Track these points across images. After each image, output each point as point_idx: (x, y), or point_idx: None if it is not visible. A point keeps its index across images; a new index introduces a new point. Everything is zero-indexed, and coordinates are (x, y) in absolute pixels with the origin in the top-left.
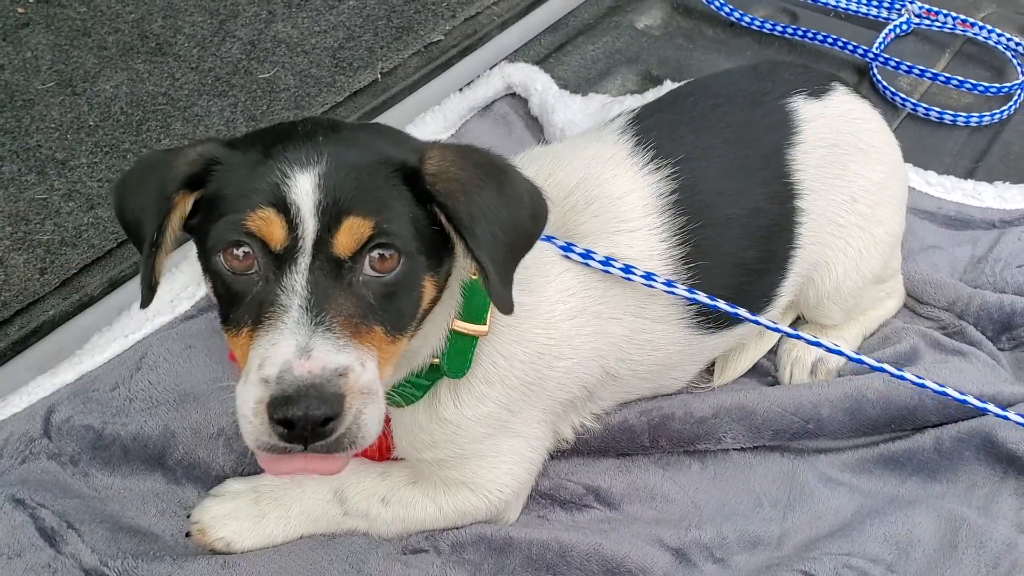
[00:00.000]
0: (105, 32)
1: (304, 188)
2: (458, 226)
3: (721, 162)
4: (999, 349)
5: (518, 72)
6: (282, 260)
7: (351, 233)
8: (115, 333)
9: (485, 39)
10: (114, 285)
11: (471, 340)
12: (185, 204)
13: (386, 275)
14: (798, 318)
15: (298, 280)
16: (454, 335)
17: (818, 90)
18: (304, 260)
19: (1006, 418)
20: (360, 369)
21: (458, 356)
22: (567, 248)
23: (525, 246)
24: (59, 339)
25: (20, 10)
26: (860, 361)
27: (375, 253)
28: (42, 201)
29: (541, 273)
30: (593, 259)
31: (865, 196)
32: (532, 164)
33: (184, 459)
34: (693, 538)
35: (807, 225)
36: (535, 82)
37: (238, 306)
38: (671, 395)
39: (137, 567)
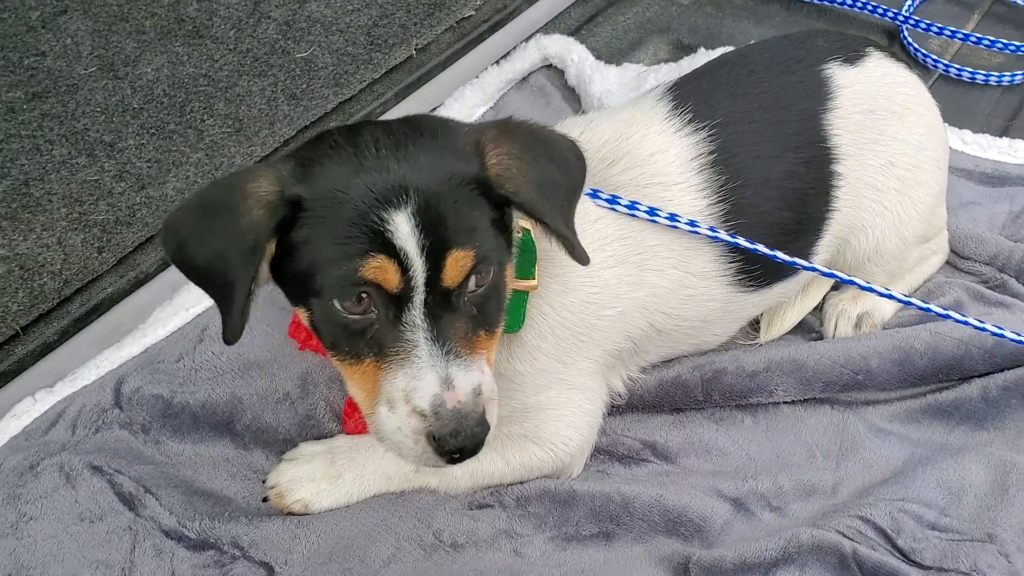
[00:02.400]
0: (142, 17)
1: (405, 231)
2: (532, 213)
3: (758, 126)
4: None
5: (554, 44)
6: (399, 299)
7: (458, 267)
8: (176, 307)
9: (515, 13)
10: (167, 263)
11: (524, 295)
12: (270, 248)
13: (482, 288)
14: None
15: (417, 316)
16: (513, 293)
17: (853, 56)
18: (419, 297)
19: None
20: (484, 376)
21: (514, 311)
22: (612, 200)
23: (577, 197)
24: (118, 316)
25: None
26: (928, 309)
27: (478, 272)
28: (94, 182)
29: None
30: (638, 209)
31: (903, 159)
32: (572, 127)
33: (252, 424)
34: (750, 488)
35: (844, 189)
36: (571, 53)
37: (356, 341)
38: (722, 351)
39: (214, 527)
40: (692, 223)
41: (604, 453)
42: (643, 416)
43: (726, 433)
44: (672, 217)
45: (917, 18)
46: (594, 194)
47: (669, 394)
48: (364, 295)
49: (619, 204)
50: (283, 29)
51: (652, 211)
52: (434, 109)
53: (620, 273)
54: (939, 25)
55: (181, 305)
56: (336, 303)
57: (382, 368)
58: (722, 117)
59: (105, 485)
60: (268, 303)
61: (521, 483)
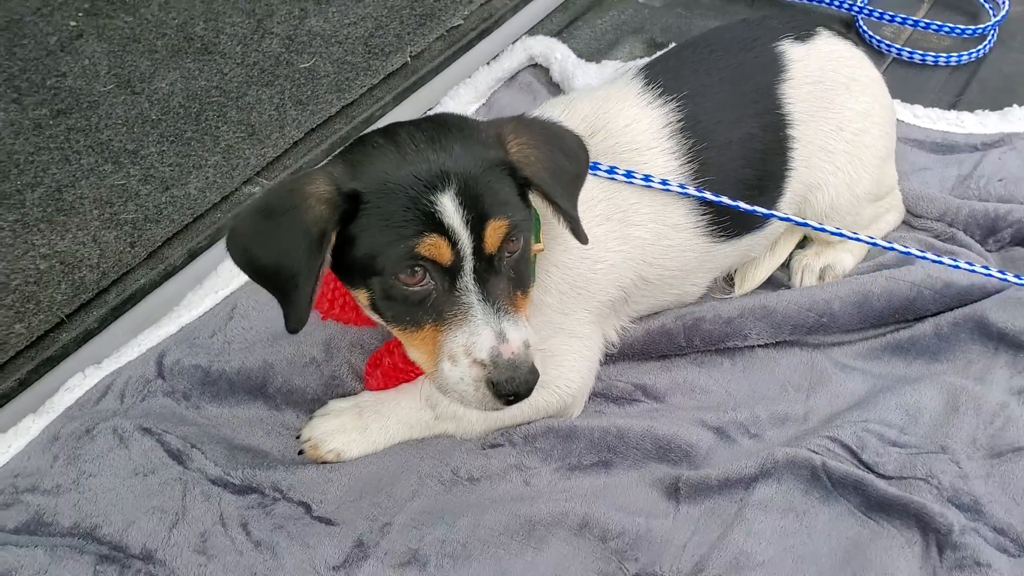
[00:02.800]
0: (153, 37)
1: (451, 210)
2: (548, 194)
3: (720, 96)
4: (987, 251)
5: (538, 44)
6: (452, 270)
7: (496, 234)
8: (206, 290)
9: (500, 21)
10: (193, 255)
11: (532, 257)
12: (331, 240)
13: (516, 253)
14: (805, 239)
15: (469, 282)
16: None
17: (804, 35)
18: (468, 265)
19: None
20: (530, 332)
21: None
22: (594, 166)
23: (582, 183)
24: (151, 303)
25: (72, 23)
26: (908, 253)
27: (511, 240)
28: (121, 186)
29: None
30: (617, 173)
31: (851, 124)
32: (552, 107)
33: (283, 387)
34: (730, 419)
35: (798, 151)
36: (554, 52)
37: (416, 310)
38: (701, 303)
39: (255, 475)
40: (664, 182)
41: (600, 396)
42: (633, 363)
43: (707, 374)
44: (647, 178)
45: (871, 8)
46: None
47: (656, 342)
48: (420, 268)
49: (600, 169)
50: (286, 43)
51: (629, 174)
52: (430, 109)
53: (607, 229)
54: (891, 13)
55: (211, 288)
56: (398, 279)
57: (442, 330)
58: (688, 90)
59: (155, 444)
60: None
61: (528, 423)
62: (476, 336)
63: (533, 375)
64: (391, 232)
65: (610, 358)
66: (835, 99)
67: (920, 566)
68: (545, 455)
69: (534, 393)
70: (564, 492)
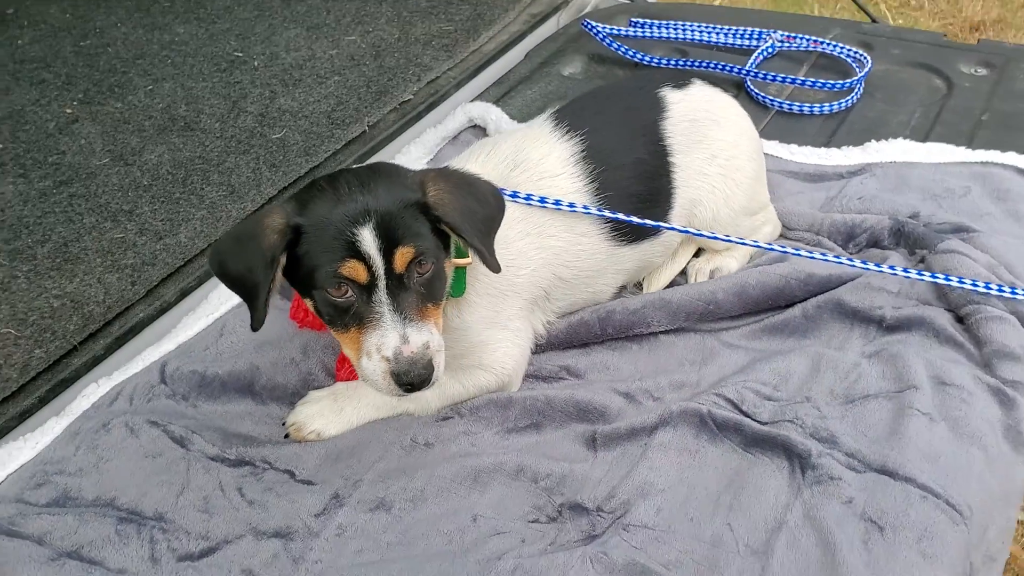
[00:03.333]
0: (141, 119)
1: (368, 239)
2: (456, 231)
3: (614, 131)
4: (848, 253)
5: (476, 108)
6: (368, 287)
7: (403, 258)
8: (198, 315)
9: (445, 96)
10: (184, 293)
11: (463, 269)
12: (281, 261)
13: (426, 274)
14: (700, 250)
15: (382, 296)
16: (455, 271)
17: (681, 84)
18: (381, 283)
19: (880, 270)
20: (432, 336)
21: (457, 282)
22: (514, 195)
23: (496, 224)
24: (148, 334)
25: (68, 110)
26: (783, 251)
27: (418, 264)
28: (120, 239)
29: None
30: (532, 199)
31: (722, 152)
32: (481, 148)
33: (267, 384)
34: (637, 387)
35: (679, 174)
36: (490, 114)
37: (343, 316)
38: (613, 300)
39: (247, 452)
40: (571, 205)
41: (532, 377)
42: (559, 350)
43: (619, 355)
44: (557, 202)
45: (758, 71)
46: (502, 191)
47: (576, 332)
48: (344, 285)
49: (519, 197)
50: (259, 119)
51: (542, 200)
52: None
53: (527, 242)
54: (774, 73)
55: (203, 313)
56: (328, 292)
57: (362, 332)
58: (588, 127)
59: (160, 433)
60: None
61: (473, 399)
62: (384, 338)
63: (428, 370)
64: (322, 256)
65: (539, 347)
66: (708, 133)
67: (788, 484)
68: (487, 422)
69: (478, 375)
70: (503, 448)
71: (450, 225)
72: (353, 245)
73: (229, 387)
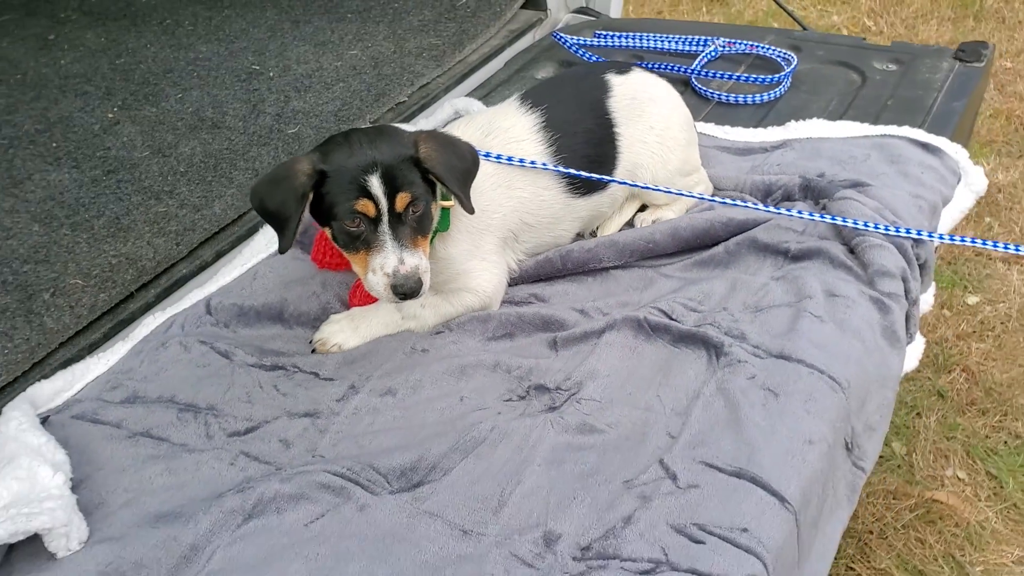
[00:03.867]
0: (174, 120)
1: (376, 185)
2: (440, 180)
3: (568, 106)
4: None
5: (461, 102)
6: (375, 220)
7: (402, 201)
8: (234, 266)
9: (435, 99)
10: (220, 255)
11: (448, 211)
12: (309, 197)
13: (418, 213)
14: (644, 206)
15: (385, 228)
16: (442, 211)
17: (623, 69)
18: (385, 218)
19: (788, 214)
20: (422, 260)
21: (443, 220)
22: (487, 155)
23: (472, 176)
24: (190, 285)
25: (110, 115)
26: (723, 202)
27: (413, 205)
28: (164, 212)
29: None
30: (501, 158)
31: (658, 124)
32: (460, 121)
33: (293, 312)
34: (590, 306)
35: (622, 142)
36: (472, 106)
37: (355, 242)
38: (572, 243)
39: (280, 360)
40: (533, 163)
41: (507, 302)
42: (528, 283)
43: (577, 285)
44: (522, 161)
45: (702, 70)
46: (477, 151)
47: (542, 267)
48: (357, 219)
49: (491, 157)
50: (276, 118)
51: (509, 159)
52: None
53: (499, 192)
54: (716, 71)
55: (238, 264)
56: (344, 223)
57: (369, 255)
58: (547, 103)
59: (208, 349)
60: (291, 257)
61: (460, 317)
62: (386, 259)
63: (418, 284)
64: (340, 196)
65: (512, 281)
66: (645, 108)
67: (705, 367)
68: (471, 333)
69: (464, 296)
70: (483, 351)
71: (436, 175)
72: (365, 188)
73: (263, 316)
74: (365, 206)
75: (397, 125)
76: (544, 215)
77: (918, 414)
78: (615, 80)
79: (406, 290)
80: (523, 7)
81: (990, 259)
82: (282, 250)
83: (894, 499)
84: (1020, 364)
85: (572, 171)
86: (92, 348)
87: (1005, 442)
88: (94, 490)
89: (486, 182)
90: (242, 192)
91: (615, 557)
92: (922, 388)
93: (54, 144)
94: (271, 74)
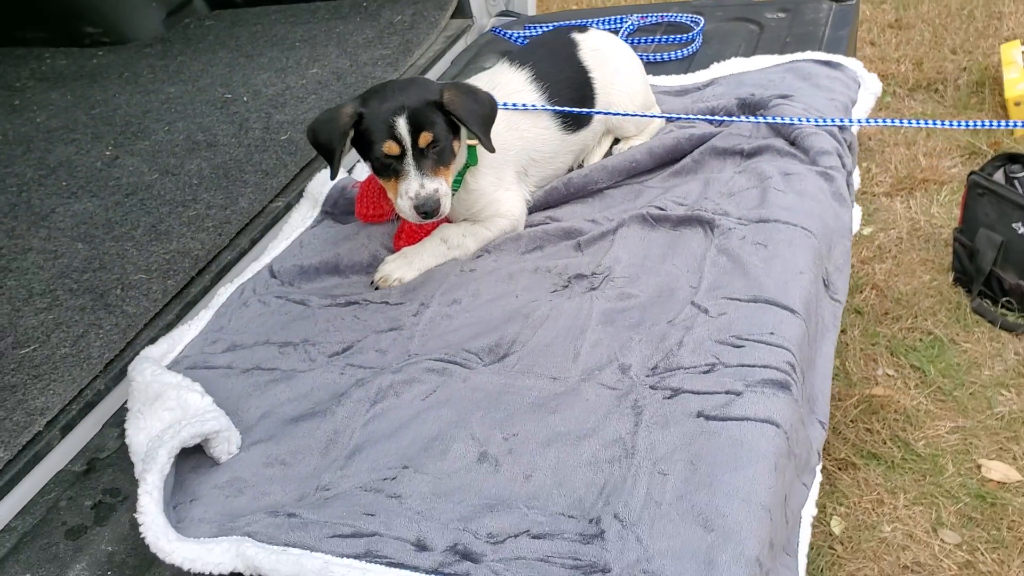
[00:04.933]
0: (171, 147)
1: (402, 125)
2: (463, 122)
3: (549, 61)
4: None
5: None
6: (402, 155)
7: (424, 139)
8: (279, 240)
9: None
10: (254, 242)
11: (474, 147)
12: (350, 134)
13: (438, 147)
14: (616, 140)
15: (410, 161)
16: (469, 148)
17: (582, 28)
18: (409, 153)
19: (737, 120)
20: (441, 186)
21: (470, 155)
22: (503, 105)
23: (491, 120)
24: (240, 265)
25: (107, 152)
26: (688, 117)
27: (434, 143)
28: (194, 215)
29: None
30: (506, 105)
31: (621, 68)
32: (470, 81)
33: (348, 263)
34: (598, 215)
35: (597, 84)
36: None
37: (387, 171)
38: (570, 172)
39: (350, 296)
40: (533, 106)
41: (528, 225)
42: (541, 210)
43: (581, 205)
44: (524, 105)
45: (628, 39)
46: None
47: (550, 195)
48: (387, 153)
49: (505, 105)
50: (264, 131)
51: (515, 104)
52: None
53: (510, 134)
54: (637, 38)
55: (283, 237)
56: (378, 157)
57: (398, 182)
58: (532, 61)
59: (284, 301)
60: (326, 227)
61: (495, 240)
62: (410, 185)
63: (436, 204)
64: (374, 135)
65: (528, 210)
66: (608, 57)
67: (704, 238)
68: (507, 251)
69: (497, 221)
70: (521, 261)
71: (457, 118)
72: (392, 128)
73: (321, 271)
74: (390, 146)
75: (429, 79)
76: (546, 151)
77: (843, 331)
78: (579, 37)
79: (427, 209)
80: (452, 17)
81: (875, 195)
82: (332, 176)
83: (839, 401)
84: (918, 275)
85: (565, 108)
86: (168, 328)
87: (920, 339)
88: (229, 412)
89: (499, 125)
90: (259, 188)
91: (678, 368)
92: (843, 309)
93: (64, 183)
94: (245, 99)
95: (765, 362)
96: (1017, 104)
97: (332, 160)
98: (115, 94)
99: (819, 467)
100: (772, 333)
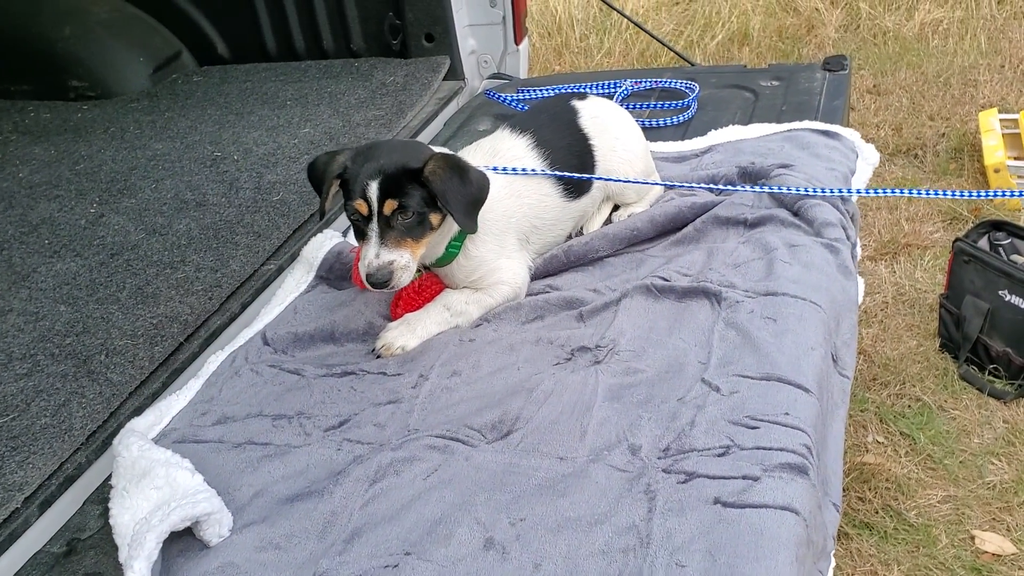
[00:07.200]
0: (158, 206)
1: (373, 189)
2: (438, 199)
3: (551, 128)
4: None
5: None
6: (368, 218)
7: (388, 207)
8: (272, 305)
9: None
10: (244, 307)
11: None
12: (336, 182)
13: (408, 220)
14: (616, 206)
15: (374, 226)
16: None
17: (582, 96)
18: (375, 217)
19: (741, 189)
20: (400, 259)
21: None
22: (496, 169)
23: (478, 201)
24: (231, 330)
25: (92, 209)
26: (689, 185)
27: (400, 211)
28: (183, 277)
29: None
30: (507, 170)
31: (621, 136)
32: (471, 148)
33: (343, 331)
34: (599, 285)
35: (598, 152)
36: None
37: (358, 230)
38: (569, 241)
39: (347, 367)
40: (534, 171)
41: (528, 295)
42: (541, 278)
43: (582, 273)
44: (524, 170)
45: (623, 104)
46: (493, 168)
47: (550, 263)
48: (357, 212)
49: (498, 170)
50: (255, 191)
51: (514, 170)
52: None
53: (512, 201)
54: (632, 103)
55: (276, 303)
56: (349, 214)
57: (363, 245)
58: (532, 128)
59: (278, 370)
60: (320, 292)
61: (496, 309)
62: (368, 251)
63: (389, 276)
64: (351, 191)
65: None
66: (608, 125)
67: (711, 311)
68: (507, 320)
69: (500, 288)
70: (522, 331)
71: (434, 191)
72: (364, 190)
73: (316, 338)
74: (360, 205)
75: (423, 143)
76: (548, 217)
77: None
78: (579, 104)
79: (375, 280)
80: (444, 79)
81: (862, 260)
82: (320, 214)
83: None
84: (904, 341)
85: (567, 174)
86: (154, 396)
87: (908, 406)
88: (220, 491)
89: (501, 192)
90: (251, 251)
91: (692, 450)
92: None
93: (46, 241)
94: (235, 157)
95: (781, 444)
96: (996, 171)
97: (321, 198)
98: (100, 149)
99: (832, 552)
100: (787, 413)
